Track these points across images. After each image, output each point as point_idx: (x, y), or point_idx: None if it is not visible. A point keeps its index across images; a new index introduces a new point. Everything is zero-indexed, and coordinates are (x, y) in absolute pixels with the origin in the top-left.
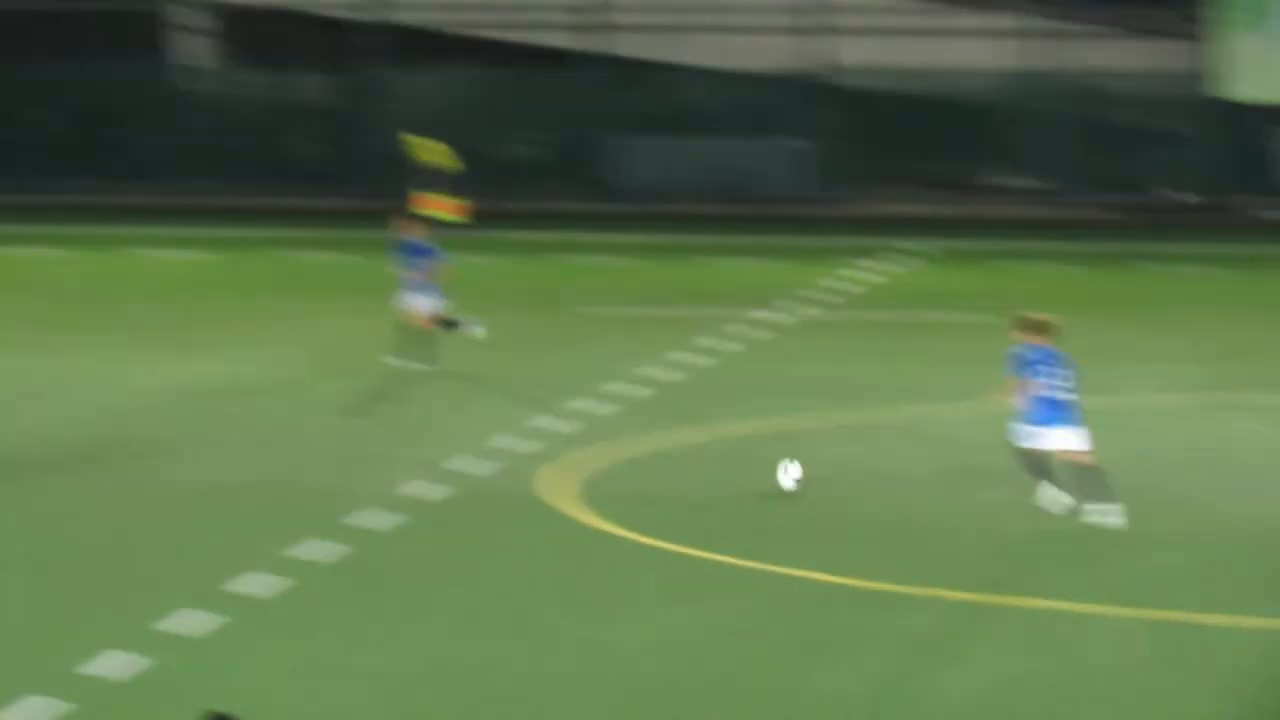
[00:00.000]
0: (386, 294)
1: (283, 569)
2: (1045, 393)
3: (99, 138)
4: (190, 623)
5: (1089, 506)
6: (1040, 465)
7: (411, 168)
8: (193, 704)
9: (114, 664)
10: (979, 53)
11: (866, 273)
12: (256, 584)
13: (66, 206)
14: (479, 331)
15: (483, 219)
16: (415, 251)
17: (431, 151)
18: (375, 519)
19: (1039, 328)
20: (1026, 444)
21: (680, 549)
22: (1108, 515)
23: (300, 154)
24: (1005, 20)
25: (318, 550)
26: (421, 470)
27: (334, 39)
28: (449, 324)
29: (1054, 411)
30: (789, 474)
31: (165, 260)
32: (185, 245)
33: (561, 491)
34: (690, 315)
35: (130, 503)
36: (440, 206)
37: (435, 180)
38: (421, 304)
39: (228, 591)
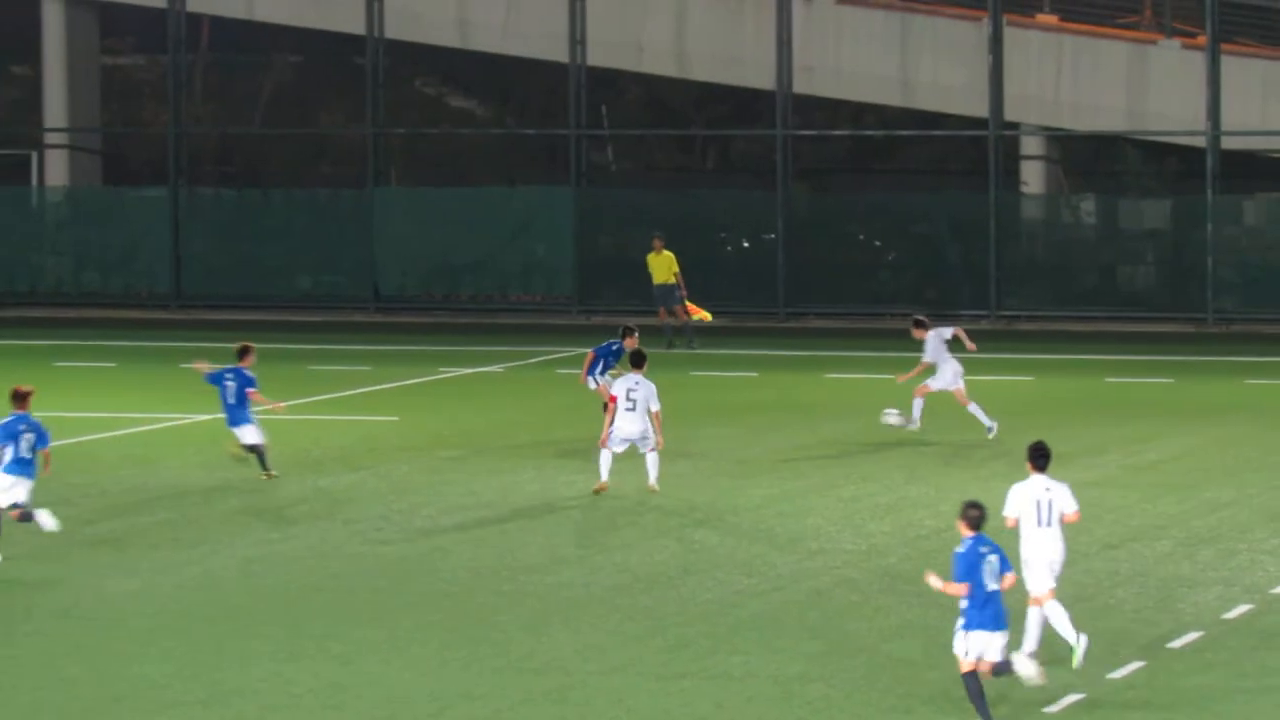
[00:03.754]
0: (1207, 419)
1: (1075, 683)
2: None
3: (927, 265)
4: None
5: None
6: None
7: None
8: None
9: None
10: None
11: None
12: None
13: (889, 331)
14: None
15: None
16: None
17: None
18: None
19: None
20: None
21: None
22: None
23: (1131, 277)
24: None
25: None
26: (1233, 591)
27: (1163, 164)
28: None
29: None
30: None
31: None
32: (1002, 368)
33: None
34: None
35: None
36: (697, 312)
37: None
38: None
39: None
